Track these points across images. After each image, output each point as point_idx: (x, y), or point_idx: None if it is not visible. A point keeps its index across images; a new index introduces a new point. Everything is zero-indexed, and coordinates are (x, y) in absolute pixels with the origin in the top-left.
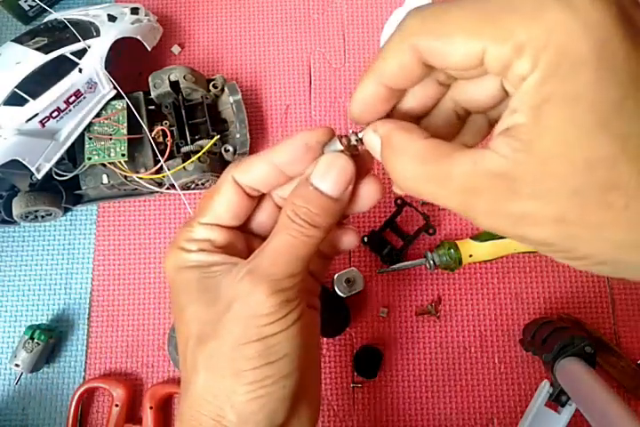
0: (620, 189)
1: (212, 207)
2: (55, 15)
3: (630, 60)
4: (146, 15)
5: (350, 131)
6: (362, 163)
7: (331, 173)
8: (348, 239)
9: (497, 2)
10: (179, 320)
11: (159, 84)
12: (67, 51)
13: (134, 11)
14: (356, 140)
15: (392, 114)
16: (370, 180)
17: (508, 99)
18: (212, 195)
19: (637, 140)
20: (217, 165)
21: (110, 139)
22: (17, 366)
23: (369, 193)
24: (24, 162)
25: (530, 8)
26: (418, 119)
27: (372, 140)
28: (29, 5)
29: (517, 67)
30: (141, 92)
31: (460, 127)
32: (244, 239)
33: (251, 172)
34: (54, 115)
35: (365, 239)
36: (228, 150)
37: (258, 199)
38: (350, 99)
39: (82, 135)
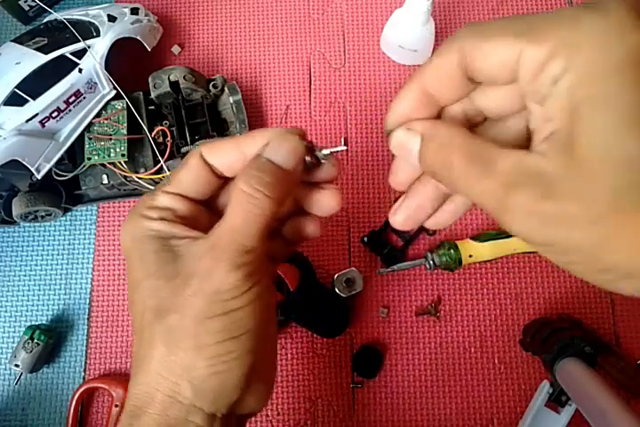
0: None
1: (178, 178)
2: (55, 15)
3: None
4: (146, 15)
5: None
6: (323, 174)
7: (281, 147)
8: (313, 226)
9: (539, 15)
10: (134, 293)
11: (159, 85)
12: (67, 51)
13: (134, 11)
14: (320, 153)
15: None
16: (332, 192)
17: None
18: (179, 168)
19: None
20: None
21: (110, 139)
22: (17, 366)
23: (328, 200)
24: (24, 162)
25: (568, 18)
26: None
27: (408, 139)
28: (29, 5)
29: (551, 68)
30: (141, 92)
31: None
32: (209, 216)
33: (218, 154)
34: (54, 115)
35: (365, 239)
36: None
37: (225, 180)
38: (389, 109)
39: (82, 135)
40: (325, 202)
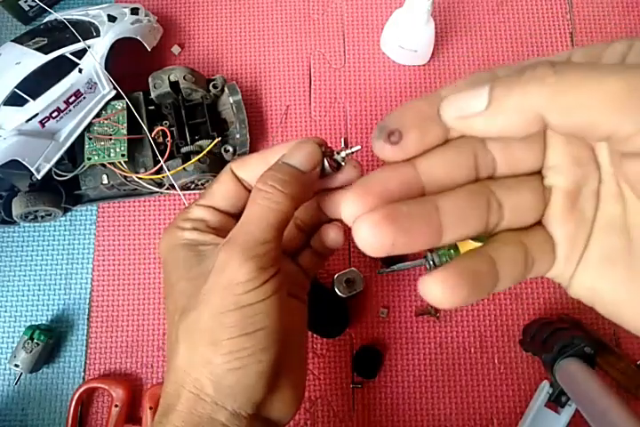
0: None
1: (211, 192)
2: (55, 15)
3: None
4: (146, 15)
5: (337, 150)
6: (346, 177)
7: (298, 152)
8: (334, 233)
9: None
10: (168, 298)
11: (159, 85)
12: (67, 51)
13: (134, 11)
14: (338, 156)
15: None
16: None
17: None
18: (213, 183)
19: None
20: (217, 165)
21: (110, 139)
22: (16, 366)
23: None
24: (24, 162)
25: None
26: None
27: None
28: (29, 5)
29: (616, 48)
30: (141, 92)
31: None
32: None
33: (246, 167)
34: (54, 115)
35: None
36: (228, 151)
37: None
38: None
39: (82, 135)
40: None
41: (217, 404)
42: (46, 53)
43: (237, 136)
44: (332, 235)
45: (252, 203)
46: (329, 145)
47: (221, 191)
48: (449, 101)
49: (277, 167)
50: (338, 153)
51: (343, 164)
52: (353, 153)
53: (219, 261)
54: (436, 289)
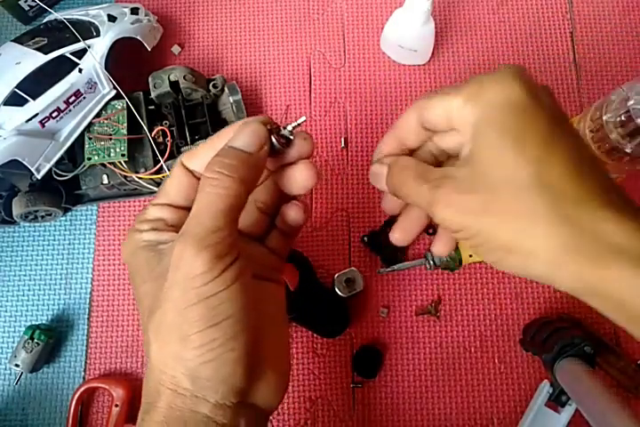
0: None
1: (164, 190)
2: (55, 15)
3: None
4: (146, 15)
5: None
6: (298, 151)
7: (242, 133)
8: (294, 212)
9: (465, 81)
10: (137, 301)
11: (159, 84)
12: (67, 51)
13: (134, 11)
14: (285, 130)
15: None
16: (304, 164)
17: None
18: (165, 180)
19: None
20: None
21: (110, 139)
22: (17, 366)
23: (301, 173)
24: (24, 162)
25: (477, 80)
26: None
27: (380, 169)
28: (29, 5)
29: (465, 110)
30: (141, 92)
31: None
32: None
33: (195, 158)
34: (54, 115)
35: (365, 239)
36: None
37: None
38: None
39: (82, 135)
40: (299, 176)
41: (197, 397)
42: (46, 53)
43: None
44: (293, 214)
45: (201, 192)
46: (275, 122)
47: (174, 187)
48: (372, 170)
49: (223, 152)
50: (284, 128)
51: (292, 137)
52: (299, 125)
53: (174, 257)
54: (395, 236)
